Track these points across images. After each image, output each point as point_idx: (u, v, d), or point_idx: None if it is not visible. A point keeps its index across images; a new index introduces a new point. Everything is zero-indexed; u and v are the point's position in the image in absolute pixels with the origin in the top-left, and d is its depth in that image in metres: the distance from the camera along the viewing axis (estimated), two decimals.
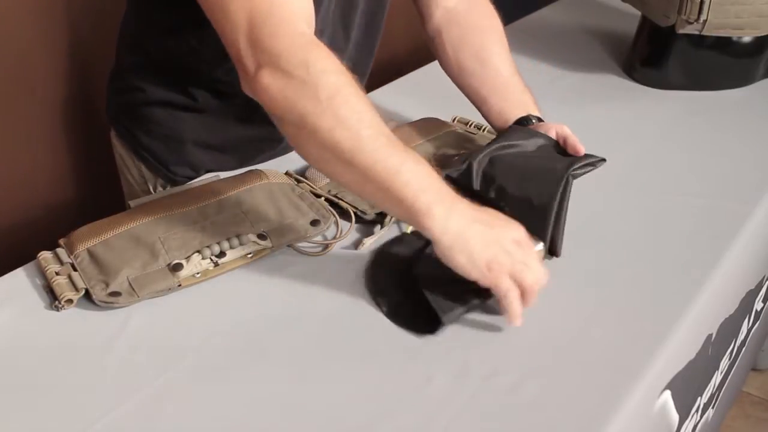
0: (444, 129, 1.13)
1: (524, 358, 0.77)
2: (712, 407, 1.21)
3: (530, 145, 0.98)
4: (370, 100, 0.78)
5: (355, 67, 1.10)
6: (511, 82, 1.05)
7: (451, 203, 0.77)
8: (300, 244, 0.92)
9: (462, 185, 0.95)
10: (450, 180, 0.96)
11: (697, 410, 1.05)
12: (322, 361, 0.77)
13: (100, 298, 0.81)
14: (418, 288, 0.82)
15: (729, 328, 1.05)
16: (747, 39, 1.32)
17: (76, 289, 0.82)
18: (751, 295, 1.14)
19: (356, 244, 0.92)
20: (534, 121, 1.01)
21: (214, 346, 0.78)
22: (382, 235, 0.93)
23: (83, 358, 0.76)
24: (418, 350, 0.78)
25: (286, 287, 0.86)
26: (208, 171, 1.07)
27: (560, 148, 0.98)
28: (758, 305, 1.25)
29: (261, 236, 0.89)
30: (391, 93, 1.32)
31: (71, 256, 0.86)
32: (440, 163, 1.03)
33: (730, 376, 1.27)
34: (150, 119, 1.05)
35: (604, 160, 0.96)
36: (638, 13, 1.42)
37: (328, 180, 0.99)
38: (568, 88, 1.36)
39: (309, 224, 0.92)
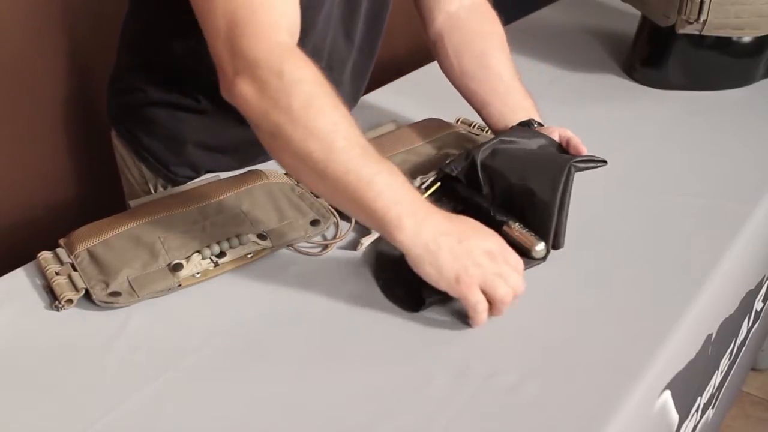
0: (447, 130, 1.13)
1: (524, 358, 0.77)
2: (712, 407, 1.21)
3: (532, 143, 0.98)
4: (346, 110, 0.78)
5: (356, 69, 1.11)
6: (513, 87, 1.05)
7: (424, 215, 0.77)
8: (300, 244, 0.92)
9: (456, 184, 0.96)
10: (448, 177, 0.97)
11: (697, 410, 1.05)
12: (322, 361, 0.76)
13: (100, 298, 0.81)
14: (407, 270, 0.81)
15: (729, 328, 1.05)
16: (747, 39, 1.32)
17: (76, 289, 0.82)
18: (751, 295, 1.14)
19: (355, 245, 0.92)
20: (535, 125, 1.01)
21: (214, 346, 0.78)
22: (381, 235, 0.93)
23: (83, 358, 0.76)
24: (418, 350, 0.78)
25: (286, 287, 0.86)
26: (208, 171, 1.07)
27: (562, 149, 0.98)
28: (758, 305, 1.25)
29: (261, 236, 0.89)
30: (391, 93, 1.32)
31: (71, 256, 0.86)
32: (442, 163, 1.03)
33: (730, 376, 1.27)
34: (150, 120, 1.05)
35: (605, 162, 0.96)
36: (638, 13, 1.42)
37: None
38: (568, 88, 1.36)
39: (309, 224, 0.92)
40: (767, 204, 1.03)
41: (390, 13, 1.10)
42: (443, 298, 0.80)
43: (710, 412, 1.20)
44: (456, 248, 0.76)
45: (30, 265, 0.88)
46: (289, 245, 0.91)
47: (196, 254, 0.86)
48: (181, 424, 0.69)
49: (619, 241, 0.94)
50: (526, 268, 0.85)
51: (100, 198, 1.39)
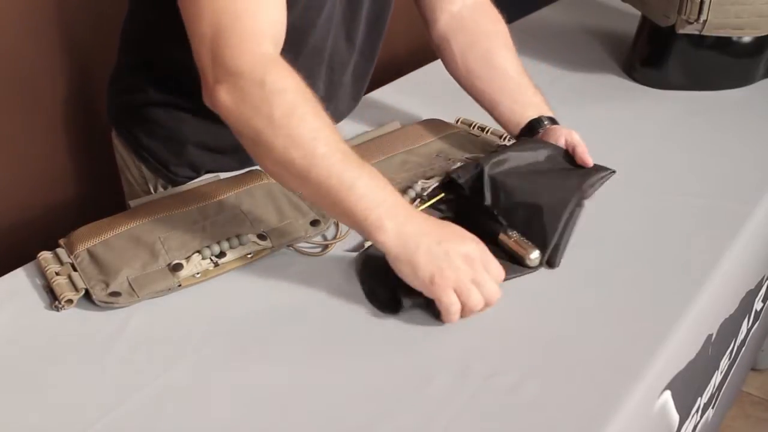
0: (448, 130, 1.13)
1: (524, 358, 0.77)
2: (712, 407, 1.21)
3: (539, 155, 0.98)
4: (327, 117, 0.79)
5: (357, 71, 1.11)
6: (521, 84, 1.05)
7: (405, 217, 0.78)
8: (300, 244, 0.92)
9: (457, 190, 0.96)
10: (451, 184, 0.97)
11: (697, 410, 1.05)
12: (323, 361, 0.77)
13: (100, 298, 0.81)
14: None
15: (729, 328, 1.05)
16: (747, 39, 1.32)
17: (76, 289, 0.82)
18: (751, 295, 1.14)
19: (355, 245, 0.92)
20: (546, 122, 1.01)
21: (214, 346, 0.78)
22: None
23: (83, 358, 0.76)
24: (418, 350, 0.78)
25: (286, 287, 0.86)
26: (208, 171, 1.07)
27: (569, 156, 0.99)
28: (758, 305, 1.25)
29: (261, 236, 0.89)
30: (391, 93, 1.32)
31: (71, 256, 0.86)
32: (444, 163, 1.04)
33: (730, 376, 1.27)
34: (151, 120, 1.05)
35: (614, 171, 0.97)
36: (638, 13, 1.42)
37: None
38: (568, 88, 1.36)
39: (309, 224, 0.92)
40: (767, 204, 1.03)
41: (391, 15, 1.10)
42: (421, 302, 0.80)
43: (710, 412, 1.20)
44: (434, 249, 0.77)
45: (30, 265, 0.88)
46: (289, 245, 0.91)
47: (196, 254, 0.86)
48: (181, 424, 0.70)
49: (619, 241, 0.94)
50: (517, 276, 0.85)
51: (100, 198, 1.38)
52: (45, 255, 0.87)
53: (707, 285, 0.88)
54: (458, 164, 1.01)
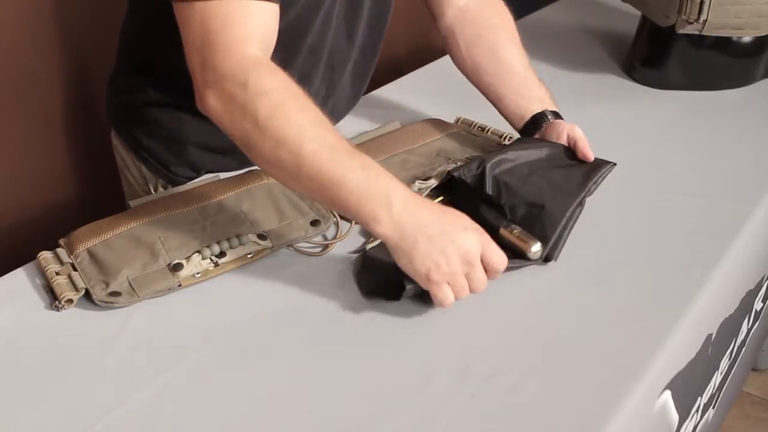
0: (448, 130, 1.13)
1: (524, 358, 0.77)
2: (713, 407, 1.21)
3: (541, 153, 0.99)
4: (317, 111, 0.79)
5: (357, 70, 1.11)
6: (526, 77, 1.05)
7: (403, 207, 0.77)
8: (300, 244, 0.92)
9: (457, 185, 0.96)
10: (452, 185, 0.97)
11: (697, 410, 1.05)
12: (322, 361, 0.76)
13: (100, 298, 0.81)
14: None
15: (729, 328, 1.05)
16: (747, 39, 1.32)
17: (76, 289, 0.82)
18: (751, 295, 1.14)
19: (356, 245, 0.92)
20: (550, 117, 1.02)
21: (214, 346, 0.78)
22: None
23: (83, 358, 0.76)
24: (418, 350, 0.78)
25: (286, 287, 0.86)
26: (208, 172, 1.07)
27: (570, 152, 0.99)
28: (758, 305, 1.25)
29: (261, 236, 0.89)
30: (391, 93, 1.32)
31: (71, 256, 0.86)
32: (444, 163, 1.04)
33: (730, 377, 1.27)
34: (150, 120, 1.05)
35: (614, 164, 0.98)
36: (638, 13, 1.42)
37: None
38: (568, 88, 1.36)
39: (309, 224, 0.92)
40: (767, 204, 1.03)
41: (391, 14, 1.10)
42: (418, 287, 0.80)
43: (710, 412, 1.20)
44: (431, 243, 0.76)
45: (30, 265, 0.88)
46: (289, 245, 0.91)
47: (196, 254, 0.86)
48: (181, 424, 0.69)
49: (619, 240, 0.94)
50: (518, 267, 0.86)
51: (100, 198, 1.38)
52: (45, 255, 0.87)
53: (707, 285, 0.88)
54: (459, 164, 1.01)
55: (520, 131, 1.04)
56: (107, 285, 0.82)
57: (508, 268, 0.82)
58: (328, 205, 0.83)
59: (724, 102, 1.31)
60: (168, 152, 1.06)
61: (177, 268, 0.84)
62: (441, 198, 0.97)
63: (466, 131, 1.14)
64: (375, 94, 1.30)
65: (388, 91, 1.32)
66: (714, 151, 1.15)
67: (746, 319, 1.19)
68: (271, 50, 0.83)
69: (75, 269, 0.84)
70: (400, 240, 0.77)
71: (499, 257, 0.79)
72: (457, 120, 1.17)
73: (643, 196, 1.03)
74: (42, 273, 0.86)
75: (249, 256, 0.88)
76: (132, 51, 1.06)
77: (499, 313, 0.82)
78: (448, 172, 0.98)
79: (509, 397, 0.72)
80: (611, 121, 1.24)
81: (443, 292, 0.77)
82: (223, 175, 1.02)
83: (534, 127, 1.03)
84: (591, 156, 0.98)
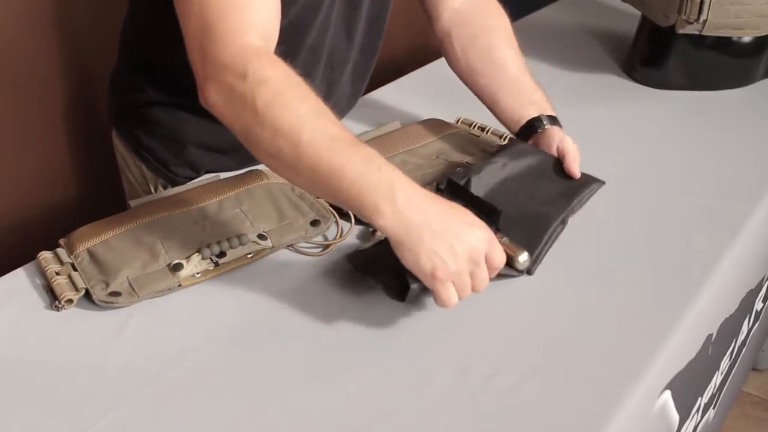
0: (448, 130, 1.13)
1: (524, 358, 0.77)
2: (713, 408, 1.21)
3: (531, 161, 0.99)
4: (319, 102, 0.77)
5: (357, 69, 1.11)
6: (521, 81, 1.05)
7: (407, 200, 0.74)
8: (300, 245, 0.92)
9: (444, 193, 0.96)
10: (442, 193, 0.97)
11: (697, 410, 1.05)
12: (322, 361, 0.76)
13: (100, 298, 0.81)
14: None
15: (729, 328, 1.05)
16: (747, 39, 1.32)
17: (76, 289, 0.82)
18: (752, 295, 1.14)
19: (356, 246, 0.92)
20: (545, 122, 1.01)
21: (214, 346, 0.78)
22: (382, 236, 0.93)
23: (83, 358, 0.76)
24: (418, 350, 0.78)
25: (286, 287, 0.86)
26: (208, 171, 1.07)
27: (560, 164, 0.99)
28: (758, 305, 1.25)
29: (261, 236, 0.89)
30: (391, 93, 1.32)
31: (71, 256, 0.86)
32: (444, 165, 1.04)
33: (731, 377, 1.27)
34: (151, 120, 1.05)
35: (603, 183, 0.98)
36: (638, 13, 1.42)
37: None
38: (568, 88, 1.36)
39: (309, 224, 0.92)
40: (767, 204, 1.03)
41: (390, 14, 1.10)
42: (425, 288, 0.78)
43: (711, 412, 1.20)
44: (438, 240, 0.74)
45: (30, 265, 0.88)
46: (289, 245, 0.91)
47: (196, 254, 0.86)
48: (181, 424, 0.69)
49: (619, 240, 0.94)
50: (505, 277, 0.85)
51: (100, 198, 1.38)
52: (45, 255, 0.87)
53: (707, 285, 0.88)
54: (457, 169, 1.01)
55: (516, 134, 1.04)
56: (107, 285, 0.82)
57: (497, 276, 0.81)
58: (330, 198, 0.80)
59: (724, 102, 1.31)
60: (168, 152, 1.06)
61: (177, 268, 0.84)
62: None
63: (466, 131, 1.14)
64: (375, 95, 1.30)
65: (387, 92, 1.32)
66: (714, 151, 1.15)
67: (747, 319, 1.19)
68: (274, 42, 0.82)
69: (75, 269, 0.84)
70: (405, 235, 0.74)
71: (501, 255, 0.78)
72: (457, 120, 1.17)
73: (643, 196, 1.03)
74: (42, 273, 0.86)
75: (249, 256, 0.88)
76: (132, 50, 1.06)
77: (499, 313, 0.82)
78: (437, 185, 0.97)
79: (509, 397, 0.72)
80: (611, 121, 1.24)
81: (447, 292, 0.74)
82: (223, 175, 1.02)
83: (529, 131, 1.02)
84: (577, 173, 0.98)
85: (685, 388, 0.90)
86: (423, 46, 1.13)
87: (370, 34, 1.08)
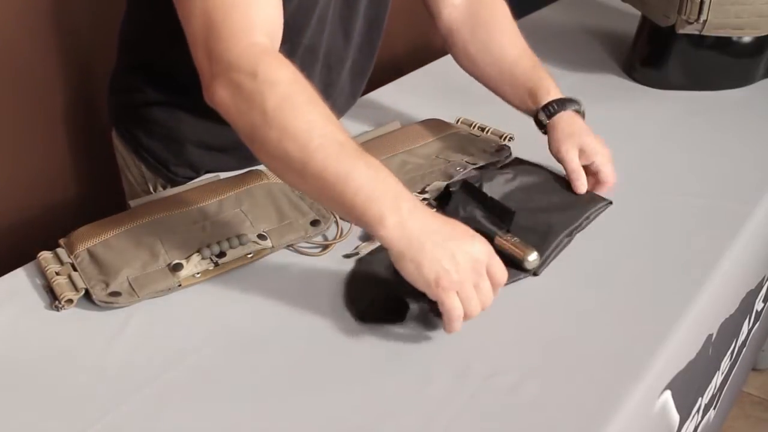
0: (448, 130, 1.13)
1: (524, 358, 0.77)
2: (714, 408, 1.21)
3: (538, 178, 1.01)
4: (326, 108, 0.77)
5: (355, 69, 1.11)
6: (523, 68, 1.06)
7: (409, 212, 0.74)
8: (300, 245, 0.92)
9: (452, 195, 0.96)
10: (447, 196, 0.97)
11: (698, 411, 1.05)
12: (323, 361, 0.76)
13: (100, 298, 0.81)
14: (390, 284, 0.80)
15: (729, 328, 1.04)
16: (747, 39, 1.32)
17: (76, 289, 0.82)
18: (752, 295, 1.14)
19: (356, 246, 0.92)
20: (543, 119, 1.03)
21: (214, 346, 0.78)
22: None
23: (83, 358, 0.76)
24: (418, 350, 0.78)
25: (286, 287, 0.86)
26: (208, 171, 1.07)
27: (566, 182, 1.01)
28: (759, 305, 1.25)
29: (261, 236, 0.89)
30: (391, 93, 1.32)
31: (71, 256, 0.86)
32: (444, 165, 1.04)
33: (731, 377, 1.27)
34: (150, 119, 1.05)
35: (610, 202, 0.99)
36: (638, 13, 1.42)
37: None
38: (568, 88, 1.35)
39: (309, 224, 0.92)
40: (767, 204, 1.03)
41: (389, 13, 1.10)
42: (426, 306, 0.78)
43: (711, 413, 1.20)
44: (440, 249, 0.74)
45: (30, 265, 0.88)
46: (289, 245, 0.91)
47: (196, 254, 0.86)
48: (181, 424, 0.69)
49: (620, 240, 0.94)
50: (514, 280, 0.84)
51: (100, 198, 1.38)
52: (45, 255, 0.87)
53: (707, 285, 0.88)
54: (459, 171, 1.02)
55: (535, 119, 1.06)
56: (107, 285, 0.82)
57: (508, 282, 0.80)
58: (332, 204, 0.80)
59: (724, 102, 1.31)
60: (167, 151, 1.06)
61: (177, 268, 0.84)
62: (434, 210, 0.97)
63: (466, 131, 1.14)
64: (375, 95, 1.30)
65: (387, 92, 1.32)
66: (714, 151, 1.15)
67: (747, 320, 1.19)
68: (278, 41, 0.82)
69: (75, 269, 0.84)
70: (407, 246, 0.73)
71: (502, 270, 0.77)
72: (457, 120, 1.17)
73: (643, 196, 1.03)
74: (42, 273, 0.85)
75: (249, 256, 0.88)
76: (131, 50, 1.06)
77: (499, 314, 0.82)
78: (447, 186, 0.98)
79: (509, 397, 0.72)
80: (611, 121, 1.23)
81: (452, 301, 0.73)
82: (223, 175, 1.02)
83: (541, 128, 1.04)
84: (583, 189, 0.99)
85: (686, 388, 0.90)
86: (423, 45, 1.14)
87: (368, 32, 1.08)
